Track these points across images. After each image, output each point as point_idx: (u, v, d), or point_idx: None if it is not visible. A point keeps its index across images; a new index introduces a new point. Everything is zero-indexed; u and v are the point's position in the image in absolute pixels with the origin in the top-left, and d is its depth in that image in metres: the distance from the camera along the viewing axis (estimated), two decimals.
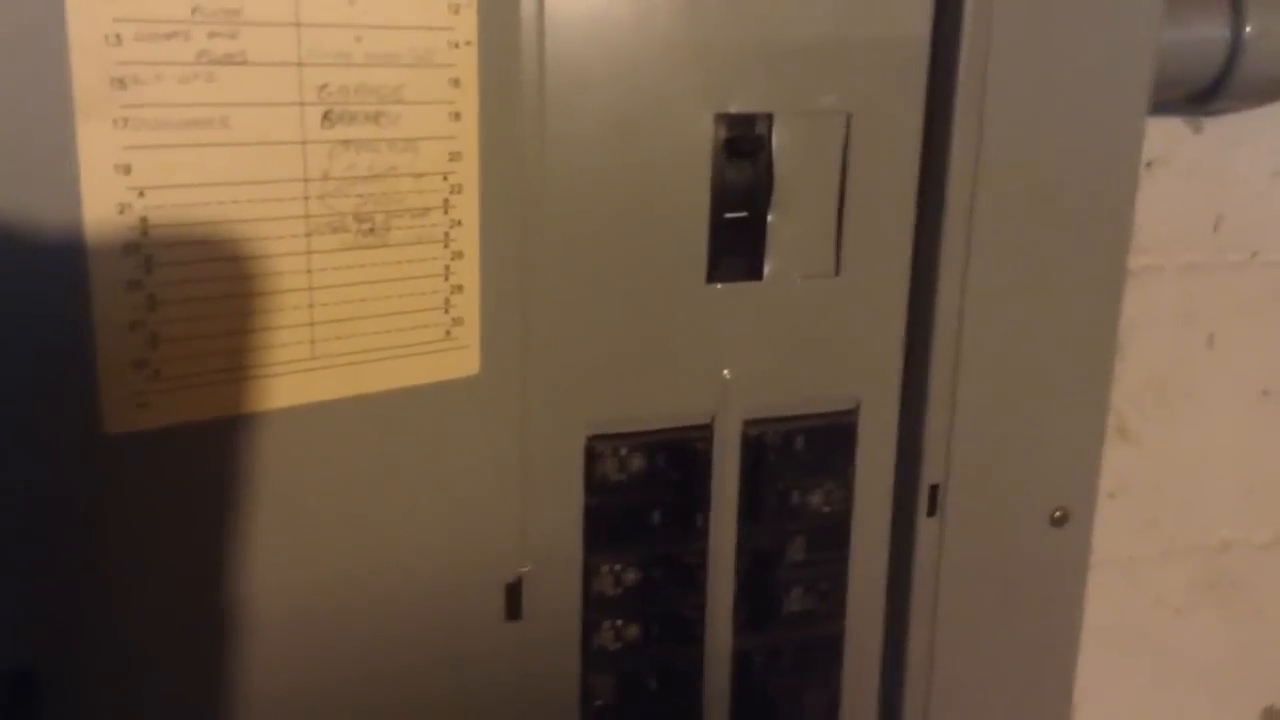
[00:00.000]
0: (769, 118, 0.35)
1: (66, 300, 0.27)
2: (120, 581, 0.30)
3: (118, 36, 0.26)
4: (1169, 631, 0.57)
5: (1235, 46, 0.41)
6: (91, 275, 0.27)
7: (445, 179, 0.31)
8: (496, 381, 0.34)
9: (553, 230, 0.34)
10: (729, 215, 0.36)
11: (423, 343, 0.32)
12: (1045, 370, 0.40)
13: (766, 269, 0.37)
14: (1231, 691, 0.59)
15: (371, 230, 0.31)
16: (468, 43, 0.31)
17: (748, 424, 0.38)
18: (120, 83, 0.27)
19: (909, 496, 0.40)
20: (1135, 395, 0.53)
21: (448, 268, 0.32)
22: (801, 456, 0.38)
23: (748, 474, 0.38)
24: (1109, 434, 0.48)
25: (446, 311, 0.32)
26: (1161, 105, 0.42)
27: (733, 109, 0.35)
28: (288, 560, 0.32)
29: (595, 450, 0.36)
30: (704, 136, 0.35)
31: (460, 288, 0.32)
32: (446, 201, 0.32)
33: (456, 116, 0.31)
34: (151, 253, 0.28)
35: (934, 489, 0.40)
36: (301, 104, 0.29)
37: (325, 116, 0.29)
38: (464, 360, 0.33)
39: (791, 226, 0.37)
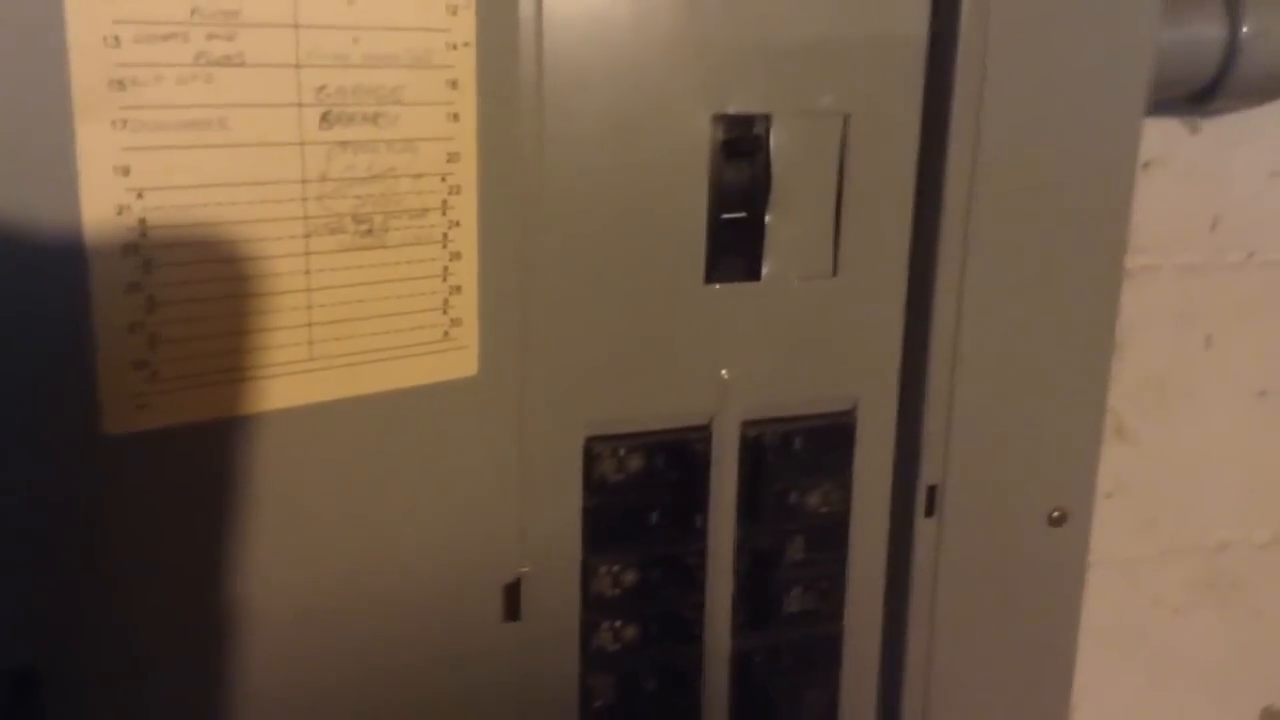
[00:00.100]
0: (767, 118, 0.36)
1: (66, 301, 0.27)
2: (120, 581, 0.30)
3: (116, 38, 0.26)
4: (1167, 631, 0.57)
5: (1232, 46, 0.41)
6: (91, 276, 0.27)
7: (443, 180, 0.31)
8: (495, 382, 0.34)
9: (551, 231, 0.34)
10: (727, 216, 0.36)
11: (421, 344, 0.32)
12: (1043, 370, 0.40)
13: (765, 269, 0.37)
14: (1230, 692, 0.59)
15: (370, 231, 0.31)
16: (466, 44, 0.31)
17: (746, 424, 0.38)
18: (119, 84, 0.27)
19: (907, 497, 0.40)
20: (1133, 395, 0.53)
21: (446, 269, 0.32)
22: (800, 457, 0.38)
23: (746, 474, 0.38)
24: (1107, 434, 0.48)
25: (445, 312, 0.32)
26: (1159, 105, 0.42)
27: (731, 110, 0.35)
28: (287, 561, 0.32)
29: (594, 451, 0.36)
30: (702, 137, 0.35)
31: (459, 288, 0.32)
32: (445, 202, 0.32)
33: (455, 117, 0.31)
34: (150, 254, 0.28)
35: (932, 489, 0.40)
36: (300, 105, 0.29)
37: (323, 118, 0.29)
38: (462, 361, 0.33)
39: (789, 227, 0.37)
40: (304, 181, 0.29)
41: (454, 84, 0.31)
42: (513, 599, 0.36)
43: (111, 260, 0.28)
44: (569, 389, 0.35)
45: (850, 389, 0.39)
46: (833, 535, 0.40)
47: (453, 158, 0.31)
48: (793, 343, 0.38)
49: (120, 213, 0.27)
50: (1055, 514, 0.42)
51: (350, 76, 0.29)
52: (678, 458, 0.37)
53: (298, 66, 0.29)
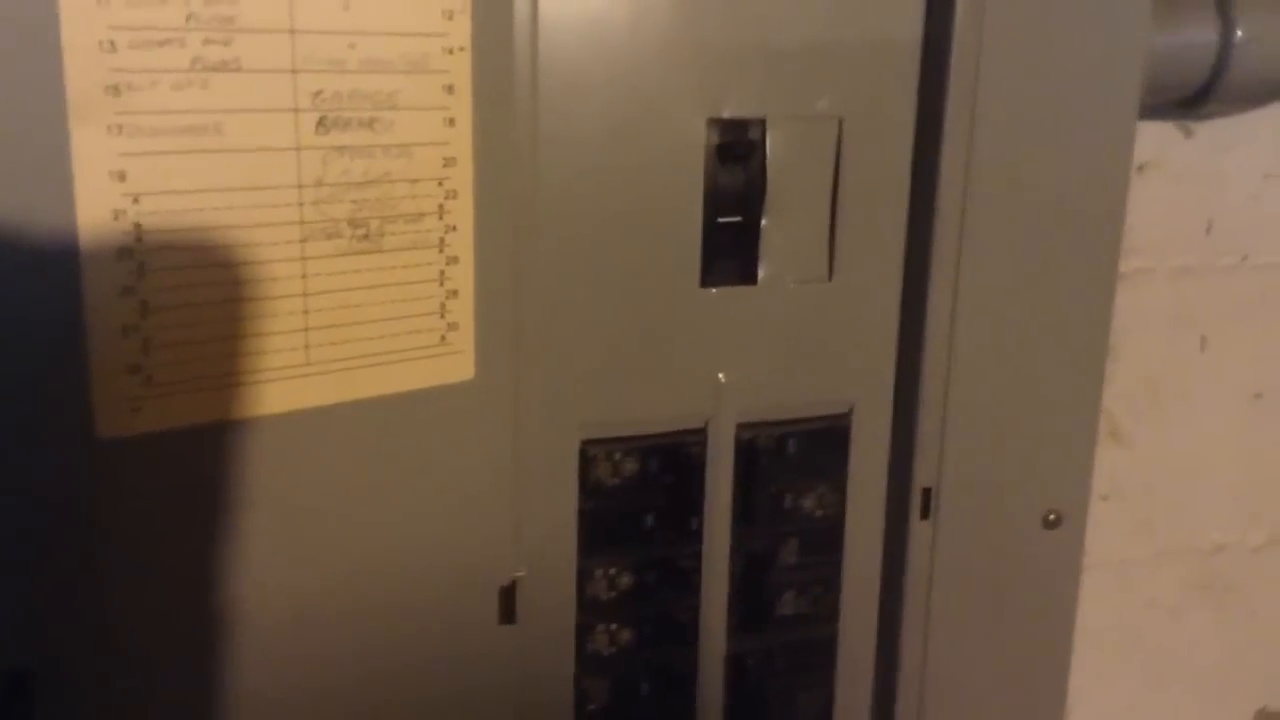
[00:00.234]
0: (762, 122, 0.36)
1: (60, 305, 0.27)
2: (115, 584, 0.30)
3: (112, 43, 0.26)
4: (1162, 633, 0.57)
5: (1225, 51, 0.41)
6: (85, 280, 0.27)
7: (440, 184, 0.32)
8: (491, 386, 0.34)
9: (547, 235, 0.34)
10: (722, 220, 0.36)
11: (418, 348, 0.32)
12: (1038, 373, 0.40)
13: (760, 273, 0.37)
14: (1225, 693, 0.59)
15: (366, 236, 0.31)
16: (462, 49, 0.31)
17: (741, 427, 0.38)
18: (115, 89, 0.27)
19: (902, 499, 0.40)
20: (1128, 398, 0.53)
21: (442, 273, 0.32)
22: (795, 460, 0.38)
23: (741, 477, 0.38)
24: (1102, 436, 0.48)
25: (441, 316, 0.32)
26: (1153, 109, 0.42)
27: (726, 114, 0.35)
28: (283, 564, 0.32)
29: (589, 454, 0.36)
30: (697, 141, 0.35)
31: (455, 293, 0.33)
32: (441, 207, 0.32)
33: (451, 122, 0.31)
34: (145, 258, 0.28)
35: (927, 492, 0.40)
36: (296, 110, 0.29)
37: (319, 123, 0.29)
38: (459, 365, 0.33)
39: (785, 231, 0.37)
40: (300, 186, 0.29)
41: (450, 89, 0.31)
42: (508, 602, 0.36)
43: (106, 264, 0.28)
44: (565, 392, 0.35)
45: (845, 392, 0.39)
46: (828, 538, 0.40)
47: (449, 162, 0.31)
48: (788, 346, 0.38)
49: (115, 217, 0.27)
50: (1050, 516, 0.42)
51: (346, 82, 0.29)
52: (673, 461, 0.37)
53: (294, 72, 0.29)
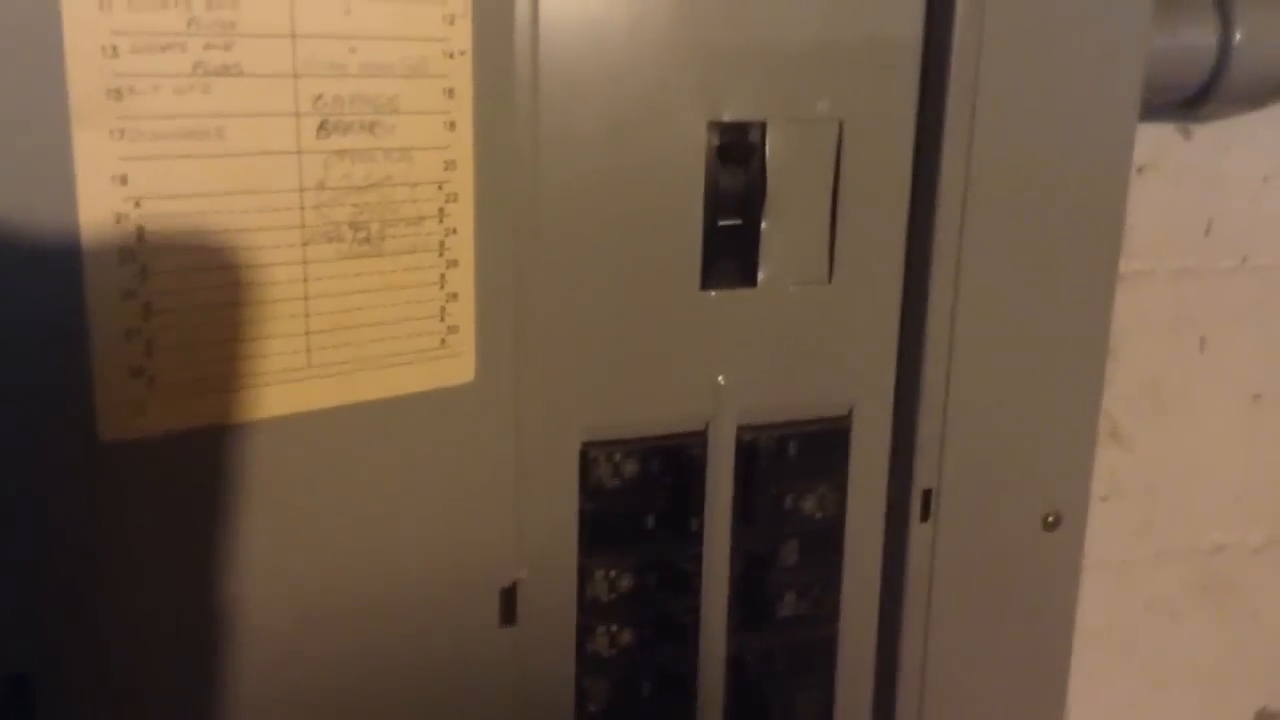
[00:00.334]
0: (762, 125, 0.36)
1: (63, 308, 0.28)
2: (116, 587, 0.30)
3: (114, 48, 0.27)
4: (1162, 634, 0.57)
5: (1224, 53, 0.41)
6: (87, 284, 0.28)
7: (440, 188, 0.32)
8: (492, 389, 0.34)
9: (548, 238, 0.34)
10: (723, 222, 0.36)
11: (418, 350, 0.32)
12: (1038, 374, 0.40)
13: (760, 275, 0.37)
14: (1224, 694, 0.59)
15: (367, 239, 0.31)
16: (462, 53, 0.31)
17: (742, 429, 0.38)
18: (117, 94, 0.27)
19: (902, 501, 0.40)
20: (1128, 399, 0.53)
21: (443, 276, 0.32)
22: (795, 462, 0.38)
23: (742, 479, 0.38)
24: (1101, 437, 0.48)
25: (442, 319, 0.33)
26: (1152, 111, 0.42)
27: (726, 117, 0.35)
28: (283, 566, 0.32)
29: (590, 456, 0.36)
30: (698, 144, 0.35)
31: (455, 296, 0.33)
32: (442, 210, 0.32)
33: (451, 126, 0.31)
34: (147, 262, 0.28)
35: (927, 493, 0.40)
36: (297, 114, 0.29)
37: (321, 127, 0.29)
38: (459, 368, 0.33)
39: (785, 233, 0.37)
40: (301, 190, 0.30)
41: (451, 93, 0.31)
42: (509, 603, 0.36)
43: (108, 267, 0.28)
44: (565, 395, 0.35)
45: (846, 394, 0.39)
46: (828, 539, 0.40)
47: (449, 166, 0.32)
48: (788, 348, 0.38)
49: (118, 221, 0.27)
50: (1050, 517, 0.42)
51: (347, 86, 0.29)
52: (674, 463, 0.37)
53: (295, 76, 0.29)
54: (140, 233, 0.28)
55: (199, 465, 0.30)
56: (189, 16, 0.27)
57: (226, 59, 0.28)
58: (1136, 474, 0.54)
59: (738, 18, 0.34)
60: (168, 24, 0.27)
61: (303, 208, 0.30)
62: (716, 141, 0.35)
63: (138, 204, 0.28)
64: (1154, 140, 0.49)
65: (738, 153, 0.36)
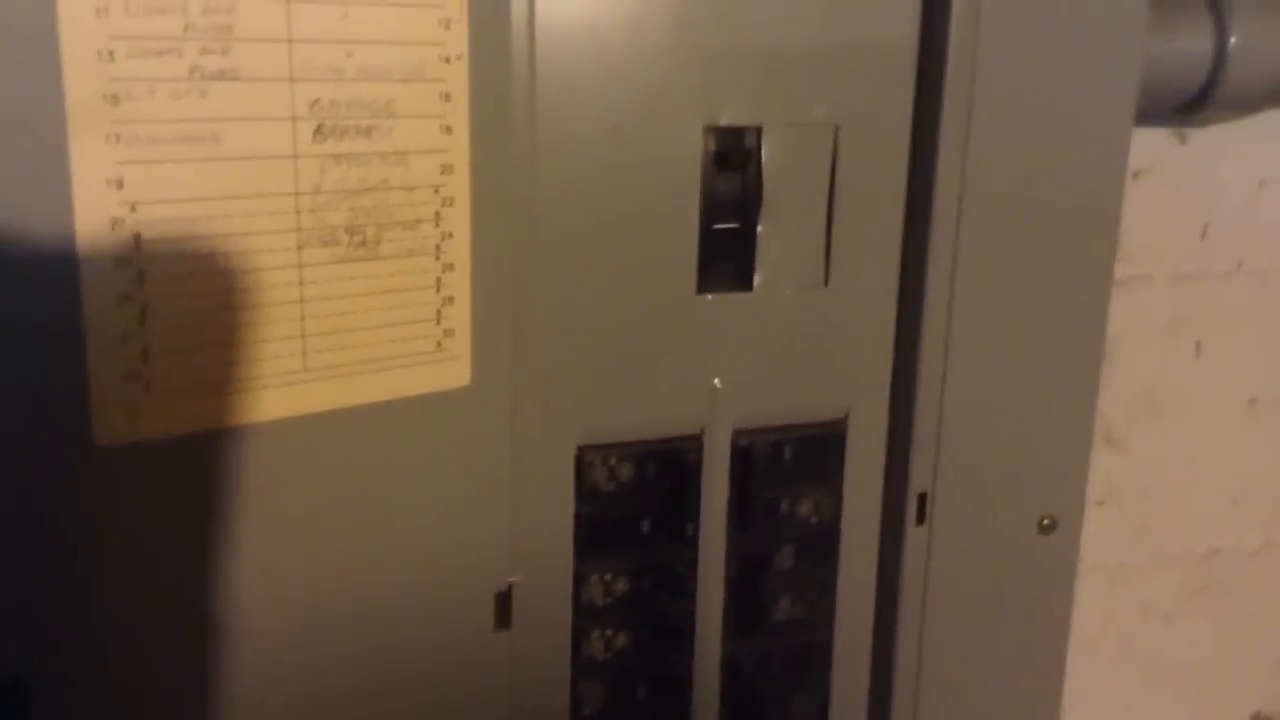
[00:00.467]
0: (758, 130, 0.36)
1: (58, 313, 0.28)
2: (111, 592, 0.30)
3: (111, 53, 0.27)
4: (1158, 638, 0.57)
5: (1220, 58, 0.41)
6: (83, 288, 0.28)
7: (436, 192, 0.32)
8: (488, 392, 0.34)
9: (544, 242, 0.34)
10: (719, 226, 0.36)
11: (414, 354, 0.32)
12: (1033, 379, 0.41)
13: (756, 280, 0.37)
14: (1221, 697, 0.59)
15: (363, 243, 0.31)
16: (459, 57, 0.31)
17: (737, 433, 0.38)
18: (113, 98, 0.27)
19: (898, 505, 0.40)
20: (1123, 403, 0.53)
21: (439, 280, 0.32)
22: (791, 466, 0.38)
23: (737, 483, 0.38)
24: (1097, 442, 0.48)
25: (438, 323, 0.33)
26: (1148, 116, 0.42)
27: (722, 121, 0.35)
28: (279, 571, 0.32)
29: (586, 460, 0.36)
30: (694, 148, 0.35)
31: (451, 299, 0.33)
32: (438, 214, 0.32)
33: (448, 130, 0.31)
34: (143, 266, 0.28)
35: (922, 497, 0.40)
36: (293, 119, 0.29)
37: (317, 131, 0.29)
38: (455, 371, 0.33)
39: (781, 237, 0.37)
40: (297, 194, 0.30)
41: (447, 97, 0.31)
42: (504, 607, 0.36)
43: (104, 272, 0.28)
44: (561, 398, 0.35)
45: (841, 398, 0.39)
46: (823, 543, 0.40)
47: (446, 170, 0.32)
48: (784, 352, 0.38)
49: (114, 225, 0.27)
50: (1045, 521, 0.42)
51: (344, 90, 0.29)
52: (669, 467, 0.37)
53: (291, 80, 0.29)
54: (136, 237, 0.28)
55: (194, 469, 0.30)
56: (186, 21, 0.27)
57: (223, 63, 0.28)
58: (1132, 478, 0.54)
59: (734, 23, 0.34)
60: (164, 29, 0.27)
61: (299, 211, 0.30)
62: (713, 146, 0.35)
63: (134, 208, 0.28)
64: (1150, 145, 0.49)
65: (734, 157, 0.36)
